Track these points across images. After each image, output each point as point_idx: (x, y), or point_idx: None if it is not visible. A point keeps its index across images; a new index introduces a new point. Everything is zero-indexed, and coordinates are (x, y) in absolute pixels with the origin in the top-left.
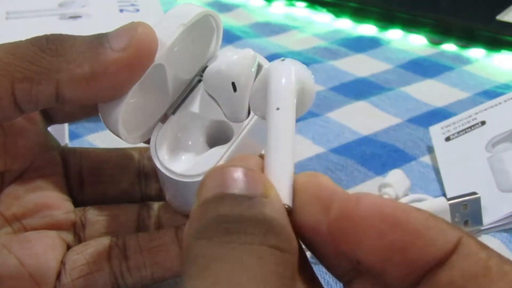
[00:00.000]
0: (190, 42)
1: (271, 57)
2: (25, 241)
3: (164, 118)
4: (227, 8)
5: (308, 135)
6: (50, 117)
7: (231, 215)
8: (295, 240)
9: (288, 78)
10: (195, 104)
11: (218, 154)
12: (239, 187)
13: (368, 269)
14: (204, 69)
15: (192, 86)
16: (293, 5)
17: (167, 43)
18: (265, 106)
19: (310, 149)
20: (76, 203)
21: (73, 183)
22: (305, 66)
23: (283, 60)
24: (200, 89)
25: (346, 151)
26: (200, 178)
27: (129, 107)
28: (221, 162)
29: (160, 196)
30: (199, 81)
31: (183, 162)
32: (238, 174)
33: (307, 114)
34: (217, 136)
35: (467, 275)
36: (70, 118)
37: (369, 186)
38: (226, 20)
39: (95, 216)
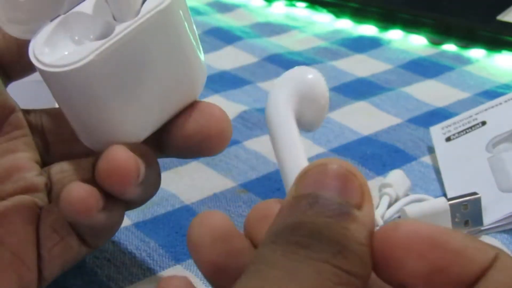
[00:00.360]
0: None
1: (271, 57)
2: (2, 217)
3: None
4: (227, 8)
5: (308, 135)
6: (7, 74)
7: (310, 227)
8: (369, 267)
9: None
10: (89, 7)
11: (93, 46)
12: (334, 190)
13: None
14: None
15: None
16: (294, 5)
17: None
18: None
19: (310, 149)
20: (44, 164)
21: (39, 144)
22: (315, 72)
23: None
24: None
25: (346, 151)
26: (69, 68)
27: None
28: (94, 54)
29: None
30: None
31: (59, 55)
32: (337, 174)
33: None
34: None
35: (501, 287)
36: (28, 70)
37: (370, 186)
38: (226, 20)
39: (59, 174)
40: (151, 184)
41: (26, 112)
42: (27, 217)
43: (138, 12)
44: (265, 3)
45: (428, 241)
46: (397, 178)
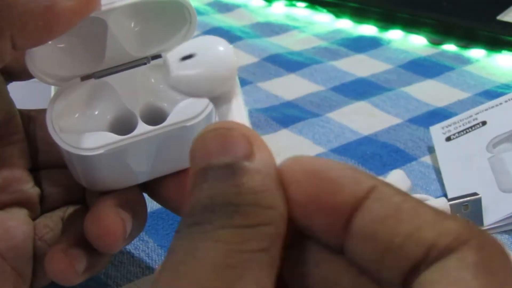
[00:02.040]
0: (150, 20)
1: (271, 58)
2: (4, 232)
3: (85, 78)
4: (227, 8)
5: (309, 135)
6: (9, 74)
7: (202, 203)
8: (277, 207)
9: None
10: (120, 83)
11: (112, 138)
12: (220, 154)
13: (303, 229)
14: (156, 56)
15: (134, 65)
16: (294, 5)
17: (118, 3)
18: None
19: (310, 149)
20: (31, 170)
21: (30, 150)
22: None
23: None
24: (139, 73)
25: (346, 151)
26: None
27: (54, 50)
28: (112, 147)
29: None
30: (144, 64)
31: (73, 122)
32: (215, 136)
33: (307, 114)
34: (121, 124)
35: (377, 218)
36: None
37: None
38: (226, 20)
39: (50, 188)
40: (138, 230)
41: (21, 115)
42: (26, 232)
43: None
44: (265, 3)
45: (307, 171)
46: (397, 178)
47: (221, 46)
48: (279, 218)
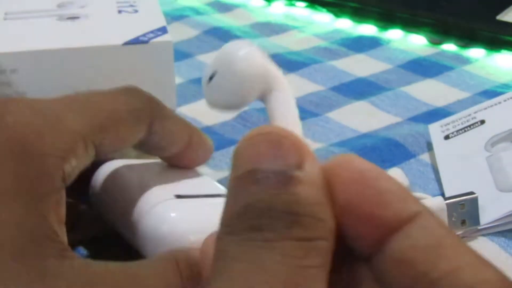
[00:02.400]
0: None
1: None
2: None
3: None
4: (227, 8)
5: (308, 135)
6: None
7: (258, 207)
8: (329, 221)
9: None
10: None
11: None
12: (271, 159)
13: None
14: None
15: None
16: (293, 5)
17: None
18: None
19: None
20: None
21: None
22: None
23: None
24: None
25: (346, 144)
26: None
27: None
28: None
29: None
30: None
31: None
32: (267, 141)
33: (307, 114)
34: None
35: (418, 246)
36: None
37: None
38: (226, 20)
39: None
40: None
41: None
42: None
43: None
44: (264, 3)
45: (355, 174)
46: (395, 176)
47: (241, 50)
48: (330, 232)
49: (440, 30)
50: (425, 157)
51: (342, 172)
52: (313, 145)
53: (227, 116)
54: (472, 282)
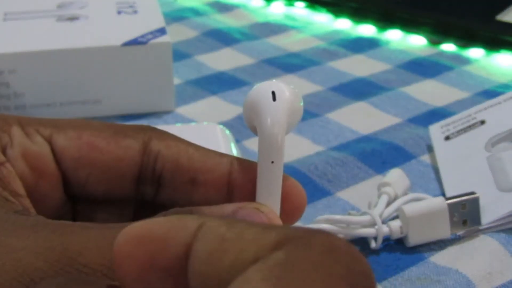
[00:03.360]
0: None
1: (270, 60)
2: None
3: None
4: (226, 8)
5: (308, 136)
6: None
7: None
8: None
9: (279, 123)
10: None
11: None
12: None
13: None
14: None
15: None
16: (293, 5)
17: None
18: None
19: (309, 149)
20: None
21: None
22: (291, 86)
23: (272, 90)
24: None
25: (346, 149)
26: None
27: None
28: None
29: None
30: None
31: None
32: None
33: (307, 114)
34: None
35: (203, 258)
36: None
37: (369, 185)
38: (225, 20)
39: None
40: None
41: None
42: None
43: None
44: (264, 3)
45: (134, 241)
46: (396, 177)
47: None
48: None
49: (440, 30)
50: (425, 158)
51: (125, 248)
52: (313, 148)
53: (227, 116)
54: (254, 255)
